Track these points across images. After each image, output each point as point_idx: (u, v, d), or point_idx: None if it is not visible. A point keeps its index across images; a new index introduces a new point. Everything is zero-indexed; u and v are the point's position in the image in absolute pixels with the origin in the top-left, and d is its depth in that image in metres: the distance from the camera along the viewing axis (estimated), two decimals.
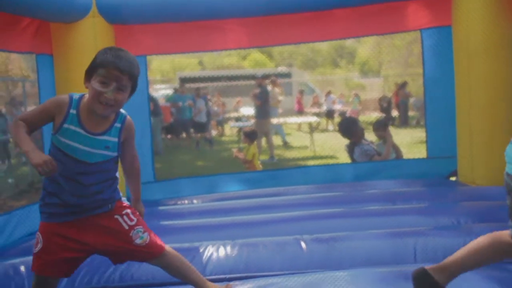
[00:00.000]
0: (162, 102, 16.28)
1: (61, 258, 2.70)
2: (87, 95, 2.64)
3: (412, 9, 5.81)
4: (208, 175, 6.32)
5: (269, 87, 14.12)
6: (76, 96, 2.65)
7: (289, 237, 3.59)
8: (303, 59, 26.01)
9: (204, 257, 3.42)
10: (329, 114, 18.11)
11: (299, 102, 19.23)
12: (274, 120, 13.79)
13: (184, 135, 15.25)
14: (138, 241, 2.76)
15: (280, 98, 15.11)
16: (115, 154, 2.71)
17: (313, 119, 15.22)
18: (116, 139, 2.69)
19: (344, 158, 9.64)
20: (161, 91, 19.50)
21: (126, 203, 2.87)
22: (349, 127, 6.71)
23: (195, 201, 5.45)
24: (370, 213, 4.23)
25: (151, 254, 2.80)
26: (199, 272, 2.93)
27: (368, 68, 23.29)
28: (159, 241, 2.83)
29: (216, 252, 3.45)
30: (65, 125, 2.59)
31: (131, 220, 2.78)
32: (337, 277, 2.98)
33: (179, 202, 5.48)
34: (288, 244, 3.49)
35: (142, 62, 5.79)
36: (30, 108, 11.34)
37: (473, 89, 5.07)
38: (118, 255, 2.81)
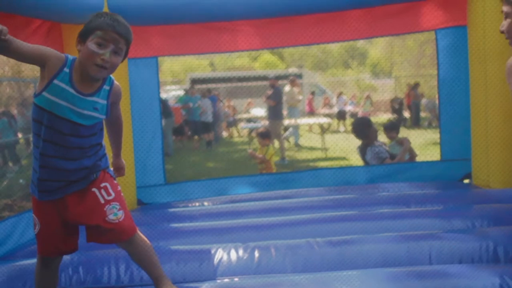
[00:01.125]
0: (172, 103, 16.29)
1: (59, 236, 2.74)
2: (78, 57, 2.64)
3: (427, 9, 5.73)
4: (218, 178, 6.27)
5: (288, 87, 14.17)
6: (70, 57, 2.64)
7: (301, 240, 3.54)
8: (314, 60, 25.96)
9: (215, 259, 3.39)
10: (340, 116, 18.05)
11: (310, 104, 19.19)
12: (291, 121, 13.82)
13: (195, 136, 15.25)
14: (111, 216, 2.71)
15: (300, 97, 15.14)
16: (103, 116, 2.69)
17: (324, 120, 15.16)
18: (105, 101, 2.69)
19: (355, 159, 9.58)
20: (172, 92, 19.52)
21: (109, 173, 2.84)
22: (363, 128, 6.65)
23: (205, 203, 5.42)
24: (383, 216, 4.17)
25: (121, 235, 2.75)
26: (162, 268, 2.91)
27: (380, 69, 23.19)
28: (132, 223, 2.79)
29: (227, 254, 3.42)
30: (55, 81, 2.56)
31: (109, 194, 2.75)
32: (350, 276, 2.95)
33: (189, 205, 5.45)
34: (300, 247, 3.45)
35: (153, 64, 5.77)
36: None
37: (489, 90, 5.00)
38: (90, 231, 2.79)
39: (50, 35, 5.07)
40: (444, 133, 5.90)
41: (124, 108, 5.44)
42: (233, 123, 18.12)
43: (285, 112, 13.81)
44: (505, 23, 2.40)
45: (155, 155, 5.85)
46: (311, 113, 18.59)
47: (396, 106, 17.93)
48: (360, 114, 17.48)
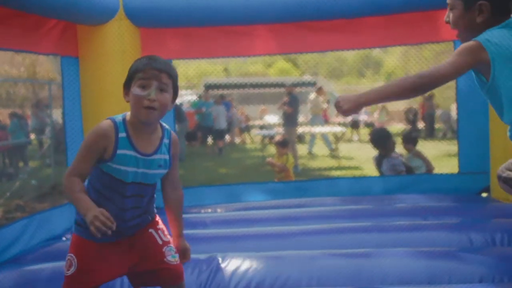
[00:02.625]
0: (186, 108, 16.28)
1: (97, 283, 2.57)
2: (128, 114, 2.55)
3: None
4: (231, 184, 6.21)
5: (314, 95, 14.40)
6: (118, 118, 2.54)
7: (316, 251, 3.46)
8: (328, 68, 25.86)
9: (227, 269, 3.31)
10: (354, 125, 17.94)
11: (324, 112, 19.09)
12: (312, 129, 13.82)
13: (208, 141, 15.21)
14: (170, 258, 2.62)
15: (325, 106, 15.16)
16: (165, 171, 2.60)
17: (338, 129, 15.06)
18: (167, 156, 2.59)
19: (368, 168, 9.49)
20: (186, 97, 19.52)
21: (159, 218, 2.74)
22: (382, 139, 6.57)
23: (218, 210, 5.35)
24: (400, 228, 4.07)
25: (177, 277, 2.66)
26: None
27: (395, 79, 23.06)
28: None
29: (240, 264, 3.34)
30: (119, 151, 2.46)
31: (165, 236, 2.67)
32: None
33: (202, 211, 5.38)
34: (315, 258, 3.35)
35: None
36: (56, 110, 11.41)
37: None
38: (143, 275, 2.65)
39: (65, 35, 5.05)
40: (462, 145, 5.80)
41: None
42: (245, 129, 18.06)
43: (307, 120, 13.86)
44: (450, 14, 2.52)
45: None
46: (325, 121, 18.50)
47: (410, 117, 17.79)
48: (376, 124, 17.36)
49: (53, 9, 4.47)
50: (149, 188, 2.57)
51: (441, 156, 11.06)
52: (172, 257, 2.63)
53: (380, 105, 19.65)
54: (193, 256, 2.79)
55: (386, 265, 3.27)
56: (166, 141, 2.58)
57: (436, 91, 18.90)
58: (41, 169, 11.57)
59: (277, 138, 9.00)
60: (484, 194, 5.63)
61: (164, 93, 2.47)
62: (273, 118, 17.80)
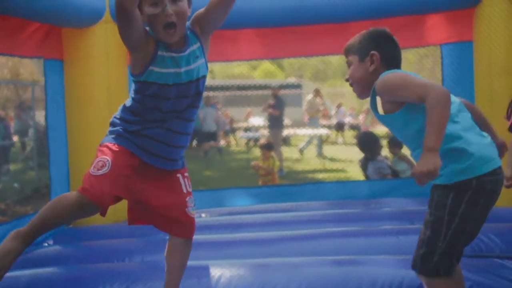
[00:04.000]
0: None
1: (118, 193, 2.39)
2: None
3: (432, 23, 5.66)
4: (216, 189, 6.17)
5: (311, 96, 14.53)
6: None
7: (305, 258, 3.43)
8: (313, 71, 25.95)
9: (213, 276, 3.27)
10: (339, 127, 17.97)
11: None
12: (302, 131, 13.88)
13: (193, 143, 15.14)
14: (190, 209, 2.53)
15: (322, 108, 15.24)
16: (203, 60, 2.46)
17: (324, 132, 15.08)
18: (198, 44, 2.45)
19: (353, 171, 9.50)
20: None
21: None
22: (369, 143, 6.59)
23: (203, 215, 5.30)
24: (387, 233, 4.06)
25: (190, 230, 2.57)
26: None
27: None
28: None
29: (226, 271, 3.29)
30: (160, 53, 2.35)
31: (190, 186, 2.58)
32: None
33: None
34: (303, 266, 3.32)
35: None
36: (39, 112, 11.30)
37: (494, 107, 4.92)
38: (156, 216, 2.52)
39: (49, 38, 4.99)
40: None
41: None
42: (230, 132, 18.02)
43: (305, 121, 13.85)
44: (349, 72, 2.70)
45: None
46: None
47: None
48: (362, 127, 17.40)
49: (38, 13, 4.41)
50: (191, 87, 2.41)
51: None
52: (192, 209, 2.55)
53: (365, 108, 19.73)
54: None
55: (374, 272, 3.25)
56: (188, 31, 2.43)
57: None
58: (24, 172, 11.44)
59: (262, 141, 8.99)
60: None
61: (179, 2, 2.31)
62: (258, 120, 17.78)
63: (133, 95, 2.46)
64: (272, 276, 3.24)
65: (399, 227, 4.26)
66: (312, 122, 14.31)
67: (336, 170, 10.89)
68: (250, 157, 12.25)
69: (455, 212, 2.34)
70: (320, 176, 10.60)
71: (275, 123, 11.75)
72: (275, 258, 3.51)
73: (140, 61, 2.38)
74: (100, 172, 2.33)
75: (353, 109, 20.65)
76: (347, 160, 11.63)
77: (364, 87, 2.62)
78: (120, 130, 2.44)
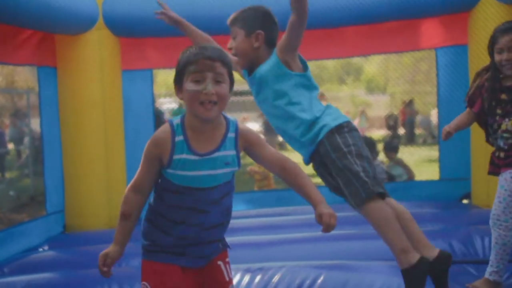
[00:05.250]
0: (168, 116, 16.21)
1: None
2: (186, 115, 2.31)
3: (427, 27, 5.68)
4: None
5: None
6: (176, 120, 2.29)
7: (301, 263, 3.42)
8: None
9: None
10: None
11: None
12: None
13: None
14: None
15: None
16: (236, 168, 2.32)
17: None
18: (234, 152, 2.30)
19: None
20: (165, 105, 19.43)
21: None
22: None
23: None
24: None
25: None
26: None
27: (375, 85, 23.19)
28: None
29: None
30: (175, 157, 2.23)
31: (231, 272, 2.42)
32: None
33: None
34: (300, 270, 3.31)
35: (148, 76, 5.68)
36: (34, 120, 11.27)
37: None
38: None
39: (42, 45, 4.98)
40: (443, 151, 5.82)
41: (117, 121, 5.36)
42: None
43: None
44: (233, 43, 3.00)
45: None
46: None
47: (391, 123, 17.89)
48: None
49: (31, 20, 4.41)
50: (215, 192, 2.28)
51: (422, 161, 11.13)
52: None
53: (359, 110, 19.76)
54: None
55: (371, 277, 3.25)
56: (231, 135, 2.31)
57: (416, 97, 19.04)
58: (19, 180, 11.40)
59: None
60: (465, 201, 5.65)
61: (222, 84, 2.22)
62: (254, 126, 17.78)
63: (156, 191, 2.36)
64: (268, 280, 3.24)
65: None
66: None
67: None
68: (246, 162, 12.23)
69: (347, 142, 2.87)
70: (316, 180, 10.59)
71: (271, 128, 11.75)
72: (271, 262, 3.50)
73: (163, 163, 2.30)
74: None
75: (348, 113, 20.67)
76: None
77: (246, 60, 2.97)
78: (152, 243, 2.34)
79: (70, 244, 4.65)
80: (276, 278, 3.27)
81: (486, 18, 4.92)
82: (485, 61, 4.89)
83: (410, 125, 17.59)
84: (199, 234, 2.29)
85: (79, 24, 4.96)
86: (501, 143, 3.25)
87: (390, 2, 5.13)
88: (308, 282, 3.23)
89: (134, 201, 2.30)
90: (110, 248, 2.29)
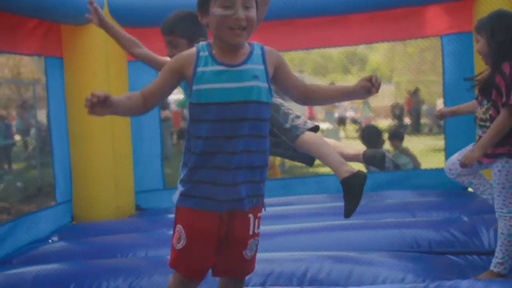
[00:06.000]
0: (173, 107, 16.22)
1: (211, 255, 2.27)
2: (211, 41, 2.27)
3: (432, 14, 5.66)
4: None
5: None
6: (203, 43, 2.29)
7: (305, 253, 3.44)
8: (314, 66, 25.87)
9: None
10: (341, 121, 17.96)
11: (310, 108, 19.09)
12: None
13: None
14: (248, 252, 2.34)
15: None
16: (265, 84, 2.23)
17: (325, 126, 15.09)
18: (262, 66, 2.25)
19: (355, 164, 9.48)
20: (171, 96, 19.45)
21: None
22: (372, 137, 6.60)
23: None
24: (389, 226, 4.07)
25: (244, 272, 2.40)
26: None
27: (380, 75, 23.05)
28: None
29: None
30: (200, 69, 2.20)
31: (258, 227, 2.35)
32: None
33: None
34: (306, 260, 3.33)
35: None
36: (41, 111, 11.31)
37: None
38: (221, 264, 2.34)
39: (48, 35, 5.00)
40: (449, 140, 5.82)
41: None
42: None
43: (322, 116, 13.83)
44: (174, 51, 3.10)
45: (154, 160, 5.76)
46: (312, 118, 18.51)
47: (396, 112, 17.85)
48: (362, 120, 17.41)
49: (37, 9, 4.42)
50: (245, 109, 2.19)
51: (428, 151, 11.11)
52: (250, 252, 2.34)
53: (362, 100, 19.72)
54: None
55: (376, 268, 3.26)
56: (257, 51, 2.28)
57: (421, 86, 19.00)
58: (27, 171, 11.46)
59: None
60: (470, 189, 5.65)
61: (250, 9, 2.21)
62: None
63: (187, 128, 2.30)
64: (275, 270, 3.26)
65: (401, 220, 4.27)
66: (329, 116, 14.28)
67: None
68: None
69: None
70: (322, 169, 10.60)
71: None
72: (277, 253, 3.52)
73: (187, 82, 2.27)
74: (180, 246, 2.27)
75: (353, 102, 20.62)
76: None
77: None
78: (188, 187, 2.27)
79: (79, 234, 4.69)
80: (281, 268, 3.30)
81: (491, 4, 4.89)
82: None
83: (415, 114, 17.55)
84: (235, 169, 2.20)
85: (84, 14, 4.96)
86: (480, 132, 3.29)
87: None
88: (311, 272, 3.25)
89: (134, 94, 2.21)
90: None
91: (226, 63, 2.20)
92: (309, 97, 2.36)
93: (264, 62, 2.27)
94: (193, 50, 2.25)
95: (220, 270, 2.37)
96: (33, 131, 12.17)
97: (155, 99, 2.24)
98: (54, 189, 5.22)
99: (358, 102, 20.85)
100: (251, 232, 2.31)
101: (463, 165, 3.18)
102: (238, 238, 2.29)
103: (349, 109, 19.38)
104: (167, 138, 12.84)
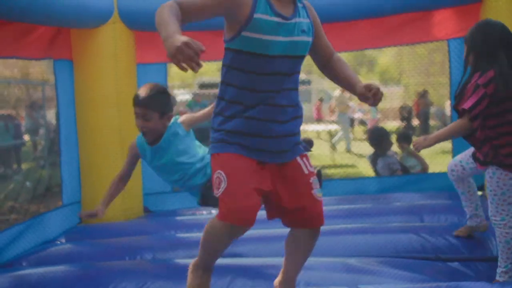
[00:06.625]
0: (182, 108, 16.26)
1: (250, 199, 2.12)
2: None
3: (439, 18, 5.66)
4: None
5: (338, 92, 14.50)
6: None
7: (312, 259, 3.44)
8: None
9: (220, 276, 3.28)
10: (350, 123, 17.92)
11: (318, 110, 19.07)
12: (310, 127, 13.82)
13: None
14: (316, 192, 2.27)
15: (350, 103, 15.22)
16: (310, 38, 2.20)
17: (333, 127, 15.06)
18: (308, 20, 2.21)
19: (363, 167, 9.48)
20: (179, 96, 19.48)
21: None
22: (380, 138, 6.59)
23: (213, 211, 5.33)
24: (395, 230, 4.06)
25: (319, 217, 2.29)
26: None
27: (388, 77, 23.07)
28: None
29: (238, 270, 3.31)
30: (257, 15, 2.07)
31: (310, 165, 2.31)
32: None
33: (197, 212, 5.36)
34: (312, 267, 3.32)
35: (162, 69, 5.71)
36: (50, 111, 11.36)
37: None
38: (293, 214, 2.27)
39: (58, 39, 5.03)
40: (457, 143, 5.81)
41: (132, 114, 5.37)
42: None
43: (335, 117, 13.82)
44: (145, 122, 3.33)
45: None
46: (319, 119, 18.48)
47: (405, 114, 17.80)
48: (369, 121, 17.37)
49: (47, 15, 4.44)
50: (291, 64, 2.15)
51: (436, 153, 11.05)
52: (318, 191, 2.28)
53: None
54: (188, 261, 2.75)
55: (384, 275, 3.25)
56: (300, 5, 2.22)
57: (430, 88, 18.92)
58: (35, 171, 11.50)
59: None
60: (479, 192, 5.63)
61: None
62: None
63: (224, 76, 2.23)
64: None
65: (408, 224, 4.26)
66: (342, 118, 14.21)
67: (346, 166, 10.88)
68: None
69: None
70: (329, 172, 10.59)
71: None
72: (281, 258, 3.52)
73: (231, 23, 2.15)
74: (221, 189, 2.15)
75: (362, 104, 20.58)
76: (357, 155, 11.61)
77: (156, 136, 3.35)
78: (223, 135, 2.21)
79: (87, 236, 4.71)
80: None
81: (497, 9, 4.89)
82: None
83: (424, 116, 17.49)
84: (273, 121, 2.17)
85: (94, 18, 4.99)
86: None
87: None
88: (318, 277, 3.25)
89: (178, 10, 2.06)
90: (180, 37, 1.94)
91: (282, 14, 2.11)
92: (329, 65, 2.34)
93: (308, 15, 2.22)
94: None
95: (297, 219, 2.29)
96: (42, 131, 12.22)
97: (189, 15, 2.11)
98: (61, 190, 5.24)
99: (366, 104, 20.82)
100: (306, 172, 2.28)
101: (415, 148, 3.25)
102: (298, 180, 2.24)
103: (357, 110, 19.33)
104: None
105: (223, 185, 2.13)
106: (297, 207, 2.27)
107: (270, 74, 2.14)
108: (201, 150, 3.46)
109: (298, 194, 2.26)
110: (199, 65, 1.83)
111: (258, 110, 2.16)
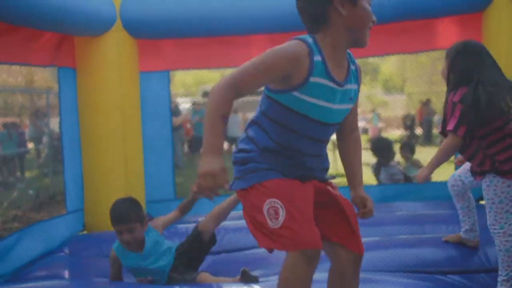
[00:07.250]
0: (185, 116, 16.28)
1: (313, 224, 1.98)
2: (319, 36, 2.01)
3: (442, 27, 5.67)
4: (230, 193, 6.19)
5: None
6: (309, 39, 1.99)
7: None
8: None
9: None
10: None
11: None
12: None
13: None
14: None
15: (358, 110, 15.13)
16: (352, 105, 2.12)
17: (334, 136, 15.05)
18: (356, 86, 2.10)
19: (366, 175, 9.47)
20: (182, 105, 19.52)
21: None
22: (382, 149, 6.60)
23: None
24: (399, 244, 4.03)
25: (358, 241, 2.20)
26: None
27: (392, 85, 23.09)
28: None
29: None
30: (312, 79, 1.93)
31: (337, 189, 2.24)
32: None
33: (199, 220, 5.36)
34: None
35: (165, 77, 5.73)
36: (54, 119, 11.40)
37: None
38: (344, 229, 2.17)
39: (62, 47, 5.05)
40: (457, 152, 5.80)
41: (135, 122, 5.43)
42: (236, 139, 18.04)
43: None
44: (130, 235, 3.50)
45: (165, 169, 5.78)
46: None
47: (408, 123, 17.81)
48: (370, 130, 17.38)
49: (50, 23, 4.47)
50: (331, 128, 2.06)
51: None
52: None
53: (370, 109, 19.69)
54: None
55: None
56: (353, 67, 2.10)
57: (433, 97, 18.93)
58: (39, 179, 11.53)
59: None
60: (482, 202, 5.62)
61: None
62: None
63: (263, 114, 2.10)
64: None
65: (410, 236, 4.24)
66: None
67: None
68: None
69: None
70: (333, 181, 10.57)
71: None
72: None
73: (283, 82, 1.99)
74: (280, 220, 1.94)
75: (365, 112, 20.61)
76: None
77: (139, 241, 3.57)
78: (257, 164, 2.08)
79: (91, 246, 4.71)
80: None
81: (499, 18, 4.91)
82: (498, 60, 4.89)
83: (427, 125, 17.49)
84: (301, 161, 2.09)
85: (97, 26, 5.02)
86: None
87: (404, 2, 5.14)
88: None
89: (231, 101, 1.91)
90: (216, 162, 1.85)
91: (336, 80, 1.98)
92: (345, 141, 2.25)
93: (357, 80, 2.12)
94: (305, 49, 1.95)
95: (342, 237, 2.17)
96: (45, 139, 12.25)
97: (247, 92, 1.97)
98: (65, 198, 5.26)
99: (368, 112, 20.81)
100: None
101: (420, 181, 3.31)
102: (341, 200, 2.19)
103: (360, 119, 19.35)
104: (179, 146, 12.88)
105: (282, 213, 1.94)
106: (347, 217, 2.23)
107: (309, 138, 2.07)
108: (167, 242, 3.83)
109: (346, 211, 2.25)
110: (216, 195, 1.87)
111: (295, 156, 2.11)
